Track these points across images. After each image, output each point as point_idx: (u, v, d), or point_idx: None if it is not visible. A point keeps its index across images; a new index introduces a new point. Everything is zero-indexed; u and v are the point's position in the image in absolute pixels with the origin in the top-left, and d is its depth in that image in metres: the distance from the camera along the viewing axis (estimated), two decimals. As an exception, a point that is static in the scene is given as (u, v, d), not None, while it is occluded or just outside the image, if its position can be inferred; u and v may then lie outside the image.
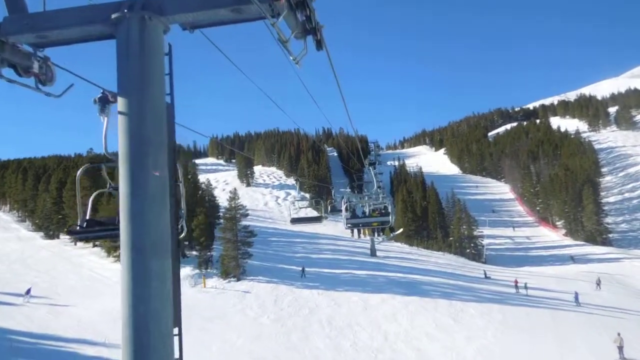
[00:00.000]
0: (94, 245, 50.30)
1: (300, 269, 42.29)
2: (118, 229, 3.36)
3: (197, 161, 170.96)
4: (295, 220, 18.37)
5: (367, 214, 18.54)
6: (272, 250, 55.35)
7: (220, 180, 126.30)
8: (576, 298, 36.10)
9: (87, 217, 5.95)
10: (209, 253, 43.65)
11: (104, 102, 4.75)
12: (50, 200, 60.13)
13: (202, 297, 35.24)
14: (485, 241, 74.96)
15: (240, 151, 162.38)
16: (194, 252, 45.26)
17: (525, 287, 39.57)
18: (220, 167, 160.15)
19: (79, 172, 6.51)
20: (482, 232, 76.35)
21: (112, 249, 45.64)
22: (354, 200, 19.29)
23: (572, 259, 57.48)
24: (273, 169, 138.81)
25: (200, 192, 55.10)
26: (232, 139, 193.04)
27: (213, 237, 44.44)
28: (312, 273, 43.68)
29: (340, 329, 29.26)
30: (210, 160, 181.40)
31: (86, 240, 11.13)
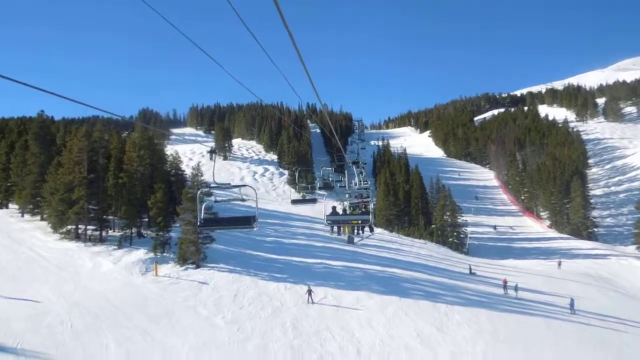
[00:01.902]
0: (42, 219, 45.24)
1: (307, 290, 30.88)
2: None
3: (175, 131, 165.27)
4: (295, 201, 18.23)
5: (347, 211, 18.39)
6: (241, 233, 50.82)
7: (197, 152, 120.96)
8: (572, 305, 32.44)
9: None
10: (166, 235, 38.94)
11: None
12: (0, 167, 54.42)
13: (151, 288, 30.66)
14: (469, 229, 71.39)
15: (222, 123, 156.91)
16: (151, 233, 40.62)
17: (516, 289, 35.81)
18: (199, 138, 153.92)
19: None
20: (466, 220, 72.76)
21: (59, 224, 40.66)
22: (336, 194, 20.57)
23: (559, 265, 54.00)
24: (253, 142, 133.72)
25: (164, 165, 50.03)
26: (212, 110, 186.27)
27: (172, 217, 39.67)
28: (281, 262, 39.37)
29: (307, 335, 25.02)
30: (189, 130, 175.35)
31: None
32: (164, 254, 37.42)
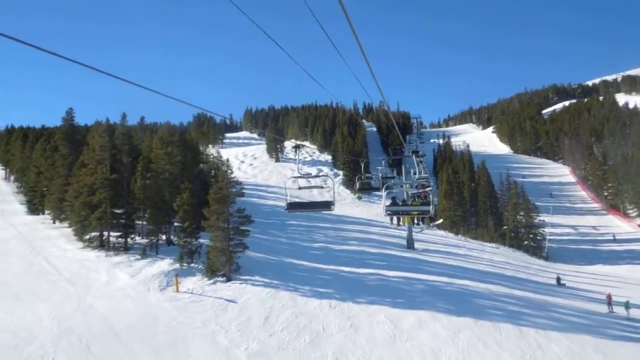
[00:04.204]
0: (69, 226, 41.41)
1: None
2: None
3: (229, 135, 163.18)
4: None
5: (407, 201, 17.74)
6: (286, 238, 45.34)
7: (249, 154, 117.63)
8: None
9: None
10: (195, 242, 33.81)
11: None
12: (34, 170, 51.62)
13: (167, 308, 25.37)
14: (548, 230, 62.53)
15: (275, 125, 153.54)
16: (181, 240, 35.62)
17: (627, 307, 28.01)
18: (254, 141, 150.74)
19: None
20: (543, 220, 63.90)
21: (81, 231, 36.49)
22: (393, 186, 18.58)
23: None
24: (306, 143, 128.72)
25: (198, 164, 45.18)
26: (266, 112, 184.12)
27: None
28: (328, 273, 33.30)
29: (353, 376, 18.83)
30: (244, 134, 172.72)
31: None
32: (192, 265, 32.26)
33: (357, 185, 22.90)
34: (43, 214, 49.92)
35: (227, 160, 41.09)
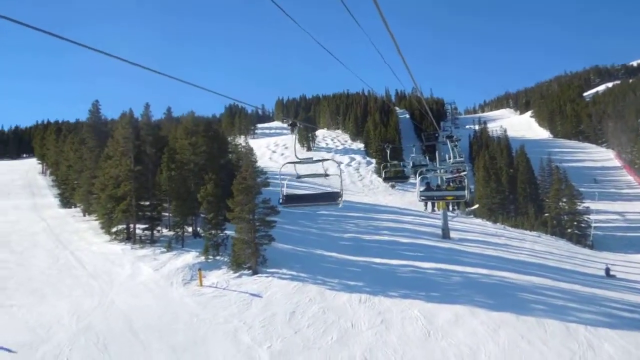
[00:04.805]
0: (98, 219, 41.13)
1: None
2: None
3: (261, 125, 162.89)
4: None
5: (441, 186, 18.13)
6: (316, 228, 43.97)
7: (280, 144, 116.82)
8: None
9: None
10: (220, 234, 32.81)
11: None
12: (65, 163, 51.75)
13: (189, 303, 24.37)
14: (593, 217, 59.20)
15: (306, 114, 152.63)
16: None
17: (686, 302, 25.61)
18: (285, 131, 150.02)
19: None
20: (588, 207, 60.53)
21: (108, 224, 36.05)
22: (427, 172, 18.75)
23: None
24: (338, 132, 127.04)
25: (226, 155, 44.13)
26: (297, 102, 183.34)
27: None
28: (358, 265, 31.80)
29: (383, 378, 17.33)
30: (276, 124, 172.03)
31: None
32: (217, 257, 31.27)
33: (383, 174, 21.17)
34: (75, 207, 50.01)
35: (252, 149, 39.69)
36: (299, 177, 9.52)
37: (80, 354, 18.44)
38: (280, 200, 9.42)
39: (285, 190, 9.46)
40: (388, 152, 20.30)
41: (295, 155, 9.49)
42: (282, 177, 9.96)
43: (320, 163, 9.30)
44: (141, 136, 37.44)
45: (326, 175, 9.23)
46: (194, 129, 38.50)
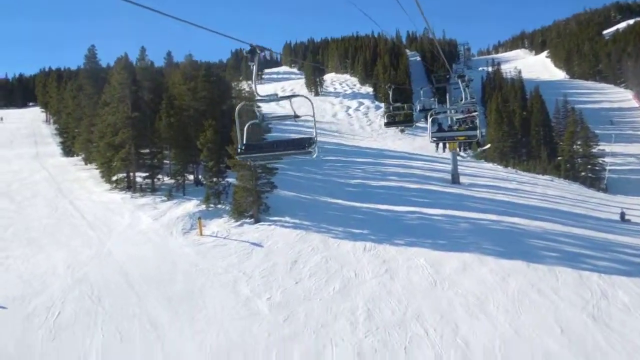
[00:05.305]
0: (98, 167, 40.39)
1: None
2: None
3: (268, 70, 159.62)
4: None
5: (452, 127, 17.60)
6: (321, 175, 42.96)
7: (287, 89, 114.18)
8: None
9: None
10: (223, 182, 31.88)
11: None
12: (65, 111, 50.64)
13: (189, 253, 23.72)
14: (609, 160, 57.51)
15: (314, 57, 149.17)
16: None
17: None
18: (293, 76, 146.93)
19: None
20: (604, 149, 58.69)
21: (107, 173, 35.27)
22: (439, 112, 18.34)
23: None
24: (346, 76, 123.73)
25: (228, 100, 42.54)
26: (305, 45, 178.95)
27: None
28: (363, 212, 30.91)
29: (385, 330, 16.63)
30: (283, 68, 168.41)
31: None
32: (219, 206, 30.47)
33: (385, 118, 19.96)
34: (77, 155, 49.27)
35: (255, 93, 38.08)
36: (262, 120, 7.92)
37: (74, 306, 17.91)
38: (239, 150, 7.60)
39: (246, 138, 7.60)
40: (391, 93, 18.92)
41: (256, 92, 7.52)
42: (237, 120, 7.74)
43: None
44: (138, 81, 35.98)
45: (295, 116, 7.54)
46: (194, 74, 36.94)
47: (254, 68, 6.99)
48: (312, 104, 7.98)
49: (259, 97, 7.45)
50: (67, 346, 15.50)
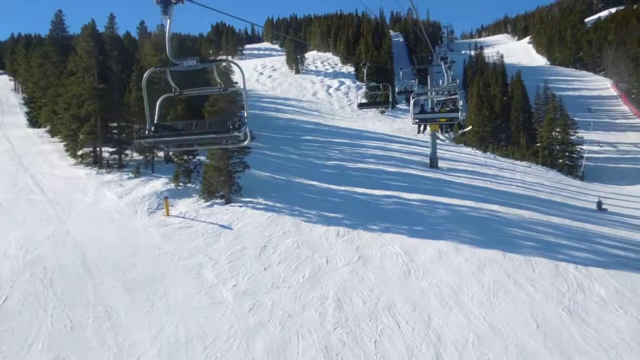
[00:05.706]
0: (62, 140, 38.56)
1: None
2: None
3: (249, 46, 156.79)
4: (362, 105, 15.95)
5: (434, 109, 18.70)
6: (298, 155, 41.85)
7: (268, 65, 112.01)
8: None
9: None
10: (193, 159, 30.56)
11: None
12: (32, 79, 48.27)
13: (153, 234, 22.52)
14: (586, 147, 57.56)
15: (297, 34, 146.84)
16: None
17: (682, 241, 24.21)
18: (275, 53, 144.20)
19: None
20: (582, 137, 58.69)
21: (72, 147, 33.61)
22: (420, 94, 18.75)
23: None
24: (328, 54, 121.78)
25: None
26: (288, 22, 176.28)
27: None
28: (339, 194, 29.99)
29: (355, 322, 15.83)
30: (265, 45, 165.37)
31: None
32: (189, 185, 29.23)
33: (359, 98, 19.28)
34: (44, 127, 47.17)
35: (228, 69, 36.67)
36: (178, 94, 6.28)
37: (22, 291, 16.67)
38: (147, 131, 6.04)
39: (157, 117, 6.08)
40: (365, 70, 17.97)
41: (170, 56, 5.80)
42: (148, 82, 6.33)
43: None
44: (106, 51, 34.12)
45: (223, 89, 6.03)
46: (165, 45, 35.12)
47: (168, 23, 5.45)
48: (242, 71, 6.45)
49: (173, 63, 5.84)
50: (11, 334, 14.32)
